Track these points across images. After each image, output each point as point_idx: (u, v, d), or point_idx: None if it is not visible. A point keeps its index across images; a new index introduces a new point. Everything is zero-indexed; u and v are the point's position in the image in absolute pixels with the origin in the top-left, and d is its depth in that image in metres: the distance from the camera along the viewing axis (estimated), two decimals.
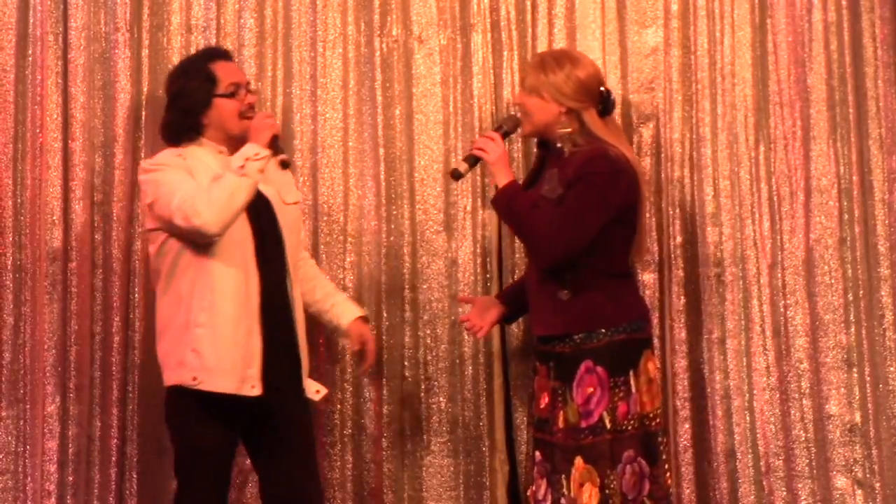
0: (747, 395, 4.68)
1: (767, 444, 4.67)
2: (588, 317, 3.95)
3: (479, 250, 4.71)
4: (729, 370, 4.68)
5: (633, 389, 3.95)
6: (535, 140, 4.23)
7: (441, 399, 4.71)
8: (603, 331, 3.95)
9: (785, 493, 4.66)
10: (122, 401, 4.65)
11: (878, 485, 4.65)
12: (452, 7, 4.76)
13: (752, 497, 4.66)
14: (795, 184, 4.73)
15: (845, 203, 4.71)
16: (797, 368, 4.69)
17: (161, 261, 4.04)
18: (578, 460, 3.92)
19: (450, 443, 4.70)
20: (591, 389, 3.91)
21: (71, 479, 4.63)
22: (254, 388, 3.96)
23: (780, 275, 4.71)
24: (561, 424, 3.96)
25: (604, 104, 4.04)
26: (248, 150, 3.94)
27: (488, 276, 4.71)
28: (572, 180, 3.91)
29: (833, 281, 4.70)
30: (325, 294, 4.28)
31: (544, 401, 4.03)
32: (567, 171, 3.94)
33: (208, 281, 3.96)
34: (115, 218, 4.69)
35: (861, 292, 4.69)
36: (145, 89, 4.71)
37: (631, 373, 3.96)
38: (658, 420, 4.04)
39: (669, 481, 4.09)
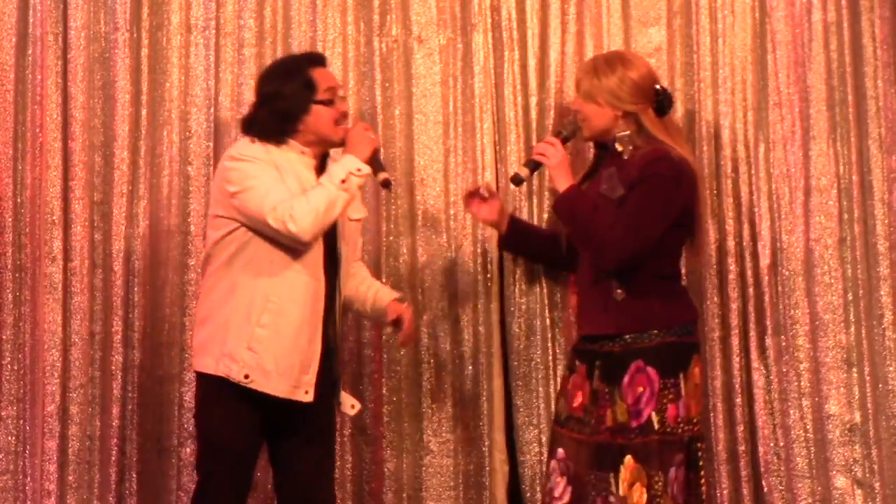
0: (747, 394, 4.68)
1: (767, 443, 4.67)
2: (641, 317, 3.96)
3: (479, 250, 4.70)
4: (729, 369, 4.68)
5: (683, 392, 3.95)
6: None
7: (441, 399, 4.71)
8: (655, 332, 3.96)
9: (784, 492, 4.66)
10: (121, 400, 4.65)
11: (877, 484, 4.65)
12: (452, 7, 4.76)
13: (752, 497, 4.66)
14: (795, 183, 4.73)
15: (845, 203, 4.71)
16: (797, 368, 4.69)
17: (221, 249, 4.01)
18: (629, 459, 3.92)
19: (450, 443, 4.70)
20: (642, 389, 3.91)
21: (71, 478, 4.63)
22: (307, 395, 3.98)
23: (779, 274, 4.71)
24: (609, 423, 3.96)
25: (660, 103, 4.03)
26: (350, 163, 3.95)
27: (488, 276, 4.70)
28: (635, 181, 3.91)
29: (833, 280, 4.70)
30: (367, 287, 4.28)
31: (578, 400, 4.02)
32: (630, 172, 3.93)
33: (280, 285, 3.96)
34: (114, 218, 4.69)
35: (861, 292, 4.69)
36: (145, 89, 4.71)
37: (681, 375, 3.96)
38: (699, 425, 4.06)
39: (704, 488, 4.09)
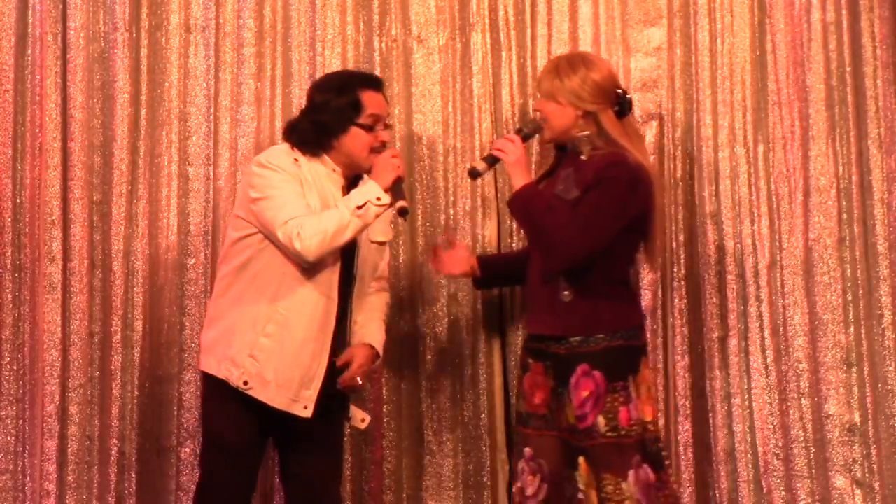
0: (746, 394, 4.68)
1: (766, 443, 4.67)
2: (587, 321, 3.95)
3: (478, 250, 4.70)
4: (728, 369, 4.68)
5: (634, 395, 3.94)
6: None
7: (440, 399, 4.71)
8: (601, 336, 3.94)
9: (784, 492, 4.66)
10: (120, 400, 4.65)
11: (877, 484, 4.65)
12: (451, 7, 4.77)
13: (752, 496, 4.66)
14: (794, 183, 4.73)
15: (844, 203, 4.71)
16: (796, 368, 4.69)
17: (237, 252, 4.01)
18: (582, 461, 3.92)
19: (449, 442, 4.70)
20: (587, 393, 3.91)
21: (70, 478, 4.63)
22: (306, 410, 3.97)
23: (779, 274, 4.71)
24: (564, 424, 3.97)
25: (620, 105, 4.03)
26: (371, 190, 3.91)
27: None
28: (591, 184, 3.90)
29: (832, 280, 4.70)
30: (364, 321, 4.20)
31: (539, 397, 4.02)
32: (585, 174, 3.93)
33: (289, 297, 3.95)
34: (114, 218, 4.69)
35: (860, 292, 4.69)
36: (144, 89, 4.72)
37: (630, 378, 3.96)
38: (656, 427, 4.04)
39: (675, 486, 4.09)
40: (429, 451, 4.71)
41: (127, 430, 4.66)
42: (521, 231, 4.57)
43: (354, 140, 4.01)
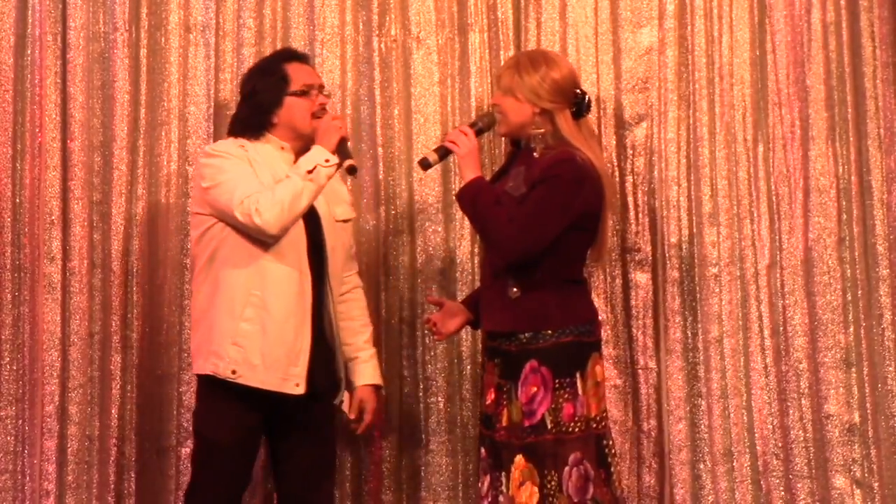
0: (745, 394, 4.68)
1: (766, 443, 4.67)
2: (535, 317, 3.95)
3: (476, 250, 4.70)
4: (727, 370, 4.68)
5: (580, 391, 3.94)
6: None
7: (439, 398, 4.71)
8: (549, 332, 3.94)
9: (783, 492, 4.66)
10: (120, 400, 4.65)
11: (876, 484, 4.64)
12: (450, 7, 4.77)
13: (750, 497, 4.66)
14: (794, 183, 4.73)
15: (844, 203, 4.71)
16: (796, 368, 4.69)
17: (202, 248, 4.04)
18: (519, 458, 3.91)
19: (448, 442, 4.70)
20: (535, 389, 3.91)
21: (69, 478, 4.63)
22: (298, 387, 3.98)
23: (778, 274, 4.71)
24: (504, 422, 3.96)
25: (578, 106, 4.04)
26: (318, 155, 3.94)
27: None
28: (536, 181, 3.92)
29: (832, 281, 4.70)
30: (354, 345, 4.24)
31: (490, 397, 4.03)
32: (533, 172, 3.94)
33: (260, 277, 3.97)
34: (114, 218, 4.69)
35: (860, 292, 4.69)
36: (144, 89, 4.72)
37: (577, 374, 3.95)
38: (604, 423, 4.04)
39: (619, 484, 4.08)
40: (429, 451, 4.72)
41: (127, 430, 4.66)
42: None
43: (291, 110, 4.06)
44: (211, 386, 4.01)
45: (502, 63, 4.71)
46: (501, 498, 3.94)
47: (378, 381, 4.26)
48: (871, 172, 4.71)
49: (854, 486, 4.65)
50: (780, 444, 4.67)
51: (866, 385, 4.66)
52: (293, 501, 4.15)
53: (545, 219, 3.90)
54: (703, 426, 4.66)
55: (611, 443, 4.07)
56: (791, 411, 4.68)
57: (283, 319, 3.96)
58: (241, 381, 3.95)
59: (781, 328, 4.69)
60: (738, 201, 4.71)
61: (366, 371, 4.24)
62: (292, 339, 3.97)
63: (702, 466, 4.67)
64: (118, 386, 4.66)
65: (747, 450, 4.67)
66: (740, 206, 4.71)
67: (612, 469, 4.04)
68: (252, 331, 3.95)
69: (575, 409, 3.93)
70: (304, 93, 4.06)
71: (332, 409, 4.18)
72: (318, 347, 4.04)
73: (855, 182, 4.70)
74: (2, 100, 4.66)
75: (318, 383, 4.03)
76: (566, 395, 3.92)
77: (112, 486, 4.64)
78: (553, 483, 3.89)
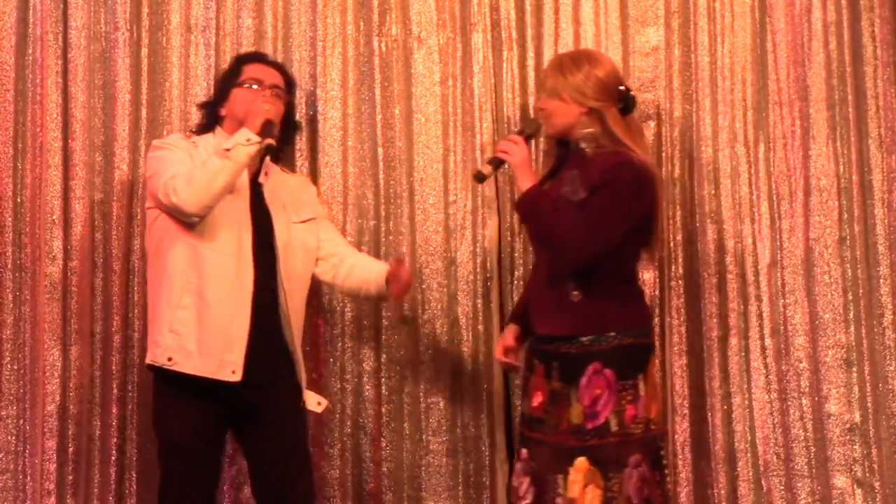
0: (746, 393, 4.68)
1: (767, 443, 4.67)
2: (598, 320, 3.94)
3: (478, 250, 4.71)
4: (728, 369, 4.68)
5: (642, 393, 3.94)
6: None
7: (440, 398, 4.71)
8: (612, 334, 3.94)
9: (784, 492, 4.66)
10: (121, 400, 4.65)
11: (877, 484, 4.65)
12: (452, 6, 4.77)
13: (751, 496, 4.66)
14: (795, 183, 4.73)
15: (845, 202, 4.71)
16: (796, 367, 4.69)
17: (150, 240, 4.13)
18: (581, 461, 3.90)
19: (449, 442, 4.70)
20: (599, 391, 3.90)
21: (70, 478, 4.63)
22: (234, 374, 3.98)
23: (779, 274, 4.71)
24: (564, 425, 3.94)
25: (624, 102, 4.03)
26: (240, 135, 4.00)
27: (488, 275, 4.71)
28: (597, 185, 3.90)
29: (832, 280, 4.70)
30: (372, 268, 4.27)
31: (537, 400, 4.02)
32: (591, 175, 3.92)
33: (197, 264, 4.01)
34: (114, 217, 4.69)
35: (860, 291, 4.69)
36: (145, 89, 4.72)
37: (640, 376, 3.95)
38: (660, 425, 4.05)
39: (668, 487, 4.09)
40: (429, 451, 4.71)
41: (128, 430, 4.66)
42: (523, 230, 4.58)
43: (235, 100, 4.15)
44: (162, 382, 4.06)
45: (504, 63, 4.74)
46: (559, 500, 3.91)
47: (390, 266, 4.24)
48: (871, 172, 4.72)
49: (855, 486, 4.66)
50: (780, 444, 4.67)
51: (867, 384, 4.66)
52: (270, 497, 4.15)
53: (609, 224, 3.89)
54: (705, 425, 4.66)
55: (666, 445, 4.07)
56: (792, 410, 4.68)
57: (218, 306, 3.98)
58: (176, 367, 3.98)
59: (782, 327, 4.70)
60: (739, 200, 4.71)
61: (378, 267, 4.26)
62: (227, 325, 3.98)
63: (704, 465, 4.67)
64: (119, 386, 4.65)
65: (749, 449, 4.67)
66: (741, 206, 4.71)
67: (666, 471, 4.05)
68: (187, 317, 3.99)
69: (637, 411, 3.92)
70: (248, 85, 4.13)
71: (298, 403, 4.17)
72: (263, 340, 4.03)
73: (856, 181, 4.70)
74: (3, 99, 4.66)
75: (258, 373, 4.02)
76: (629, 398, 3.92)
77: (113, 485, 4.64)
78: (617, 485, 3.89)
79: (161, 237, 4.07)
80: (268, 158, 4.15)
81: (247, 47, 4.72)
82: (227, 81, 4.22)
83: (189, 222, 4.00)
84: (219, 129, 4.18)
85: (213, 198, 3.95)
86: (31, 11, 4.68)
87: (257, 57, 4.33)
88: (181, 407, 4.02)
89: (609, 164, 3.91)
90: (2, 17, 4.67)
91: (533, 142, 4.26)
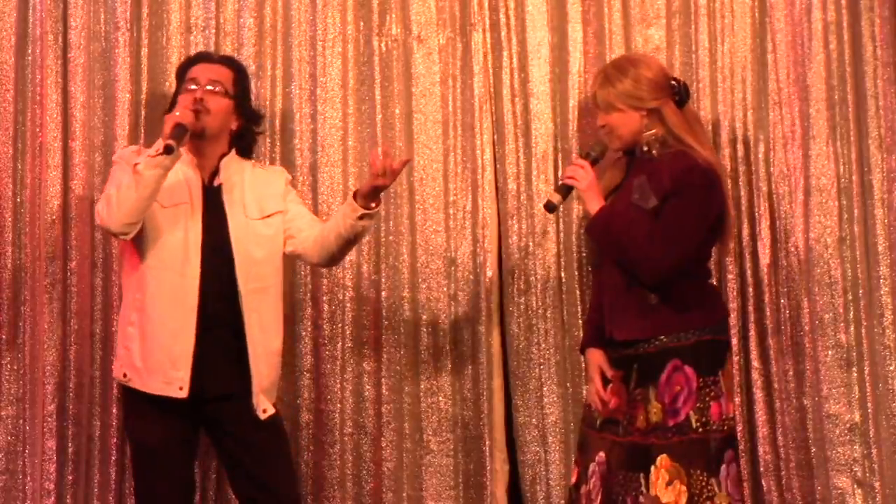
0: (746, 394, 4.68)
1: (767, 443, 4.67)
2: (677, 320, 3.93)
3: (478, 250, 4.71)
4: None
5: (724, 390, 3.94)
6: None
7: (441, 398, 4.71)
8: (691, 332, 3.93)
9: (784, 492, 4.66)
10: (121, 400, 4.64)
11: (877, 484, 4.65)
12: (452, 7, 4.77)
13: (752, 497, 4.65)
14: (795, 183, 4.73)
15: (844, 202, 4.71)
16: (797, 368, 4.69)
17: (120, 255, 4.21)
18: (663, 458, 3.88)
19: (450, 442, 4.70)
20: (679, 388, 3.89)
21: (70, 478, 4.63)
22: (181, 391, 3.98)
23: (779, 275, 4.71)
24: (641, 424, 3.93)
25: (679, 94, 4.02)
26: (153, 146, 3.96)
27: (488, 275, 4.71)
28: (669, 192, 3.89)
29: (832, 280, 4.70)
30: (337, 219, 4.10)
31: (615, 404, 3.99)
32: (662, 181, 3.90)
33: (141, 281, 4.03)
34: None
35: (860, 292, 4.69)
36: (145, 88, 4.71)
37: (720, 373, 3.95)
38: (736, 422, 4.07)
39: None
40: (429, 451, 4.71)
41: (124, 430, 4.65)
42: (524, 214, 4.64)
43: (175, 108, 4.07)
44: (125, 389, 4.11)
45: (504, 63, 4.74)
46: (642, 499, 3.90)
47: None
48: (871, 172, 4.72)
49: (855, 486, 4.66)
50: (780, 444, 4.67)
51: (867, 384, 4.67)
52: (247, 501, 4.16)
53: (687, 233, 3.89)
54: None
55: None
56: (792, 411, 4.68)
57: (160, 323, 3.99)
58: (130, 384, 4.04)
59: (782, 327, 4.69)
60: (739, 201, 4.71)
61: (344, 209, 4.06)
62: (170, 342, 3.99)
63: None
64: (119, 386, 4.63)
65: (748, 449, 4.67)
66: (741, 206, 4.71)
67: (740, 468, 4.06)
68: (134, 334, 4.03)
69: (721, 408, 3.92)
70: (186, 90, 4.10)
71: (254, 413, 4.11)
72: (216, 352, 4.01)
73: (856, 181, 4.70)
74: (3, 99, 4.66)
75: (213, 387, 4.01)
76: (712, 394, 3.91)
77: (113, 485, 4.64)
78: (701, 482, 3.88)
79: (122, 252, 4.16)
80: (222, 161, 4.11)
81: (247, 47, 4.72)
82: (177, 88, 4.19)
83: (123, 238, 4.02)
84: None
85: (129, 214, 3.93)
86: (31, 11, 4.68)
87: (199, 57, 4.25)
88: (146, 413, 4.04)
89: (678, 170, 3.90)
90: (2, 17, 4.67)
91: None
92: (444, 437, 4.71)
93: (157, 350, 3.99)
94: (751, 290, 4.69)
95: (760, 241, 4.71)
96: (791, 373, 4.69)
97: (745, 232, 4.71)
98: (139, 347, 4.01)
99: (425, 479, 4.70)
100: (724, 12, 4.75)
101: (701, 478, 3.88)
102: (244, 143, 4.21)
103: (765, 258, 4.71)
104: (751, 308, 4.69)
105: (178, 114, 3.95)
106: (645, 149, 3.99)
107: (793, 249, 4.71)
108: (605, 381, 4.06)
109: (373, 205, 3.99)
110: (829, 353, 4.69)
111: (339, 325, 4.70)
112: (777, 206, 4.72)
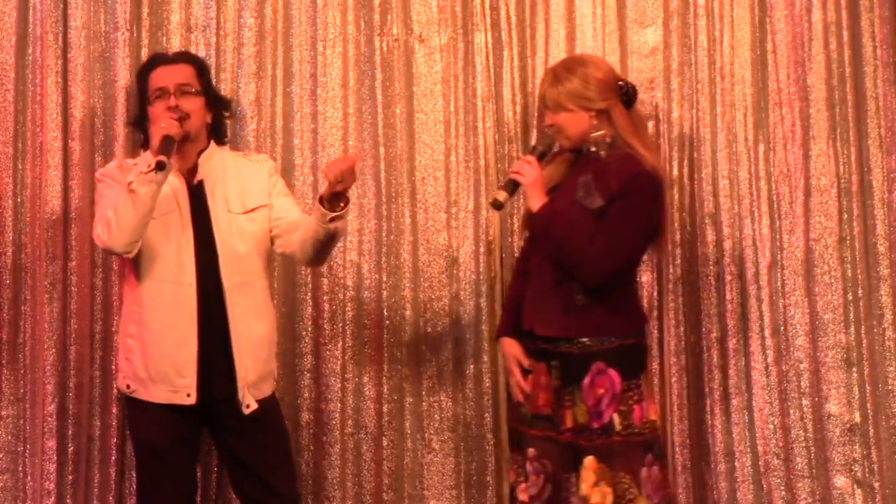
0: (746, 394, 4.69)
1: (766, 443, 4.68)
2: (602, 322, 3.94)
3: (479, 249, 4.71)
4: (728, 369, 4.69)
5: (646, 393, 3.95)
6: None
7: (442, 398, 4.72)
8: (615, 335, 3.94)
9: (784, 492, 4.67)
10: (121, 400, 4.63)
11: (877, 484, 4.66)
12: (453, 6, 4.77)
13: (751, 496, 4.67)
14: (795, 183, 4.74)
15: (845, 202, 4.72)
16: (796, 368, 4.70)
17: (120, 270, 4.22)
18: (591, 460, 3.91)
19: (451, 441, 4.71)
20: (603, 391, 3.91)
21: (70, 478, 4.63)
22: (189, 397, 4.00)
23: (779, 274, 4.72)
24: (569, 424, 3.95)
25: (626, 96, 4.02)
26: (142, 163, 3.93)
27: (492, 274, 4.71)
28: (616, 195, 3.89)
29: (832, 280, 4.71)
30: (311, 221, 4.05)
31: (543, 398, 4.01)
32: (609, 182, 3.90)
33: (142, 294, 4.03)
34: None
35: (860, 292, 4.70)
36: None
37: (642, 377, 3.96)
38: (659, 424, 4.05)
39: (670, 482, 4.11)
40: (430, 451, 4.72)
41: (127, 430, 4.64)
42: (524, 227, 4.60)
43: (151, 118, 4.07)
44: (129, 396, 4.11)
45: (505, 62, 4.74)
46: (573, 499, 3.93)
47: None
48: (871, 172, 4.73)
49: (855, 486, 4.67)
50: (780, 444, 4.68)
51: (867, 385, 4.68)
52: (248, 499, 4.17)
53: (629, 236, 3.90)
54: (704, 426, 4.67)
55: (663, 444, 4.09)
56: (792, 411, 4.69)
57: (161, 334, 4.00)
58: (135, 395, 4.05)
59: (782, 328, 4.70)
60: (739, 201, 4.72)
61: (314, 213, 3.99)
62: (174, 351, 4.00)
63: (703, 466, 4.68)
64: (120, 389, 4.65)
65: (748, 449, 4.68)
66: (741, 206, 4.72)
67: (667, 469, 4.06)
68: (135, 346, 4.04)
69: (643, 411, 3.93)
70: (155, 99, 4.06)
71: (267, 403, 4.12)
72: (215, 355, 4.02)
73: (856, 182, 4.71)
74: (3, 99, 4.65)
75: (216, 389, 4.02)
76: (634, 398, 3.93)
77: (113, 485, 4.64)
78: (625, 484, 3.89)
79: (122, 268, 4.18)
80: (201, 157, 4.11)
81: (247, 47, 4.72)
82: (142, 97, 4.15)
83: (127, 257, 4.01)
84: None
85: (131, 233, 3.93)
86: (31, 11, 4.67)
87: (156, 60, 4.20)
88: (152, 416, 4.04)
89: (627, 174, 3.90)
90: (2, 17, 4.66)
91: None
92: (445, 437, 4.71)
93: (161, 360, 4.00)
94: (751, 290, 4.70)
95: (761, 241, 4.72)
96: (791, 373, 4.69)
97: (746, 232, 4.71)
98: (141, 359, 4.02)
99: (426, 478, 4.70)
100: (723, 12, 4.75)
101: (624, 480, 3.90)
102: (218, 133, 4.21)
103: (765, 258, 4.71)
104: (751, 308, 4.69)
105: (163, 125, 3.92)
106: (592, 149, 3.99)
107: (793, 249, 4.72)
108: (525, 372, 4.06)
109: (341, 204, 3.93)
110: (829, 353, 4.70)
111: (340, 324, 4.70)
112: (777, 206, 4.73)
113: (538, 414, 4.03)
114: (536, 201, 3.99)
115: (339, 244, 4.67)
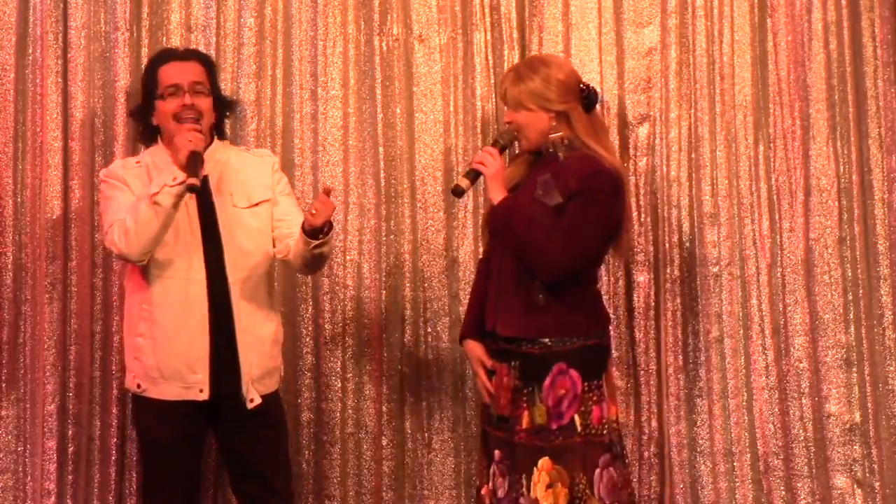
0: (746, 394, 4.69)
1: (766, 443, 4.68)
2: (563, 322, 3.93)
3: (479, 249, 4.70)
4: (727, 369, 4.69)
5: (606, 394, 3.95)
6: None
7: (442, 397, 4.72)
8: (576, 336, 3.93)
9: (784, 492, 4.67)
10: (121, 400, 4.64)
11: (877, 484, 4.66)
12: (453, 6, 4.77)
13: (751, 496, 4.67)
14: (795, 183, 4.74)
15: (845, 202, 4.72)
16: (796, 368, 4.70)
17: (121, 268, 4.19)
18: (545, 461, 3.90)
19: (451, 441, 4.71)
20: (564, 391, 3.90)
21: (71, 478, 4.63)
22: (202, 393, 4.00)
23: (779, 274, 4.72)
24: (525, 425, 3.94)
25: (587, 99, 4.01)
26: (166, 174, 3.91)
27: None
28: (574, 192, 3.89)
29: (832, 280, 4.71)
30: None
31: (505, 398, 4.00)
32: (568, 180, 3.90)
33: (151, 292, 4.02)
34: None
35: (860, 291, 4.70)
36: None
37: (603, 377, 3.96)
38: (619, 424, 4.06)
39: (634, 482, 4.09)
40: (430, 451, 4.72)
41: (127, 430, 4.65)
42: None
43: (159, 115, 4.07)
44: (137, 395, 4.10)
45: (504, 62, 4.74)
46: (522, 500, 3.92)
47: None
48: (871, 172, 4.73)
49: (855, 486, 4.67)
50: (780, 444, 4.68)
51: (867, 384, 4.68)
52: (249, 497, 4.16)
53: (587, 233, 3.89)
54: (703, 426, 4.67)
55: (624, 443, 4.08)
56: (792, 411, 4.69)
57: (173, 331, 4.00)
58: (146, 394, 4.03)
59: (782, 328, 4.71)
60: (739, 201, 4.72)
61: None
62: (186, 348, 3.99)
63: (702, 466, 4.68)
64: (119, 386, 4.64)
65: (748, 449, 4.68)
66: (741, 206, 4.72)
67: (628, 469, 4.05)
68: (145, 345, 4.03)
69: (602, 412, 3.93)
70: (168, 95, 4.05)
71: (269, 397, 4.13)
72: (221, 349, 4.02)
73: (856, 181, 4.71)
74: (3, 99, 4.65)
75: (227, 384, 4.03)
76: (594, 398, 3.92)
77: (113, 485, 4.64)
78: (582, 485, 3.89)
79: (124, 267, 4.16)
80: (206, 153, 4.05)
81: (247, 47, 4.72)
82: (150, 91, 4.11)
83: (139, 265, 4.00)
84: (161, 145, 4.10)
85: (148, 243, 3.93)
86: (31, 11, 4.67)
87: (169, 55, 4.18)
88: (159, 413, 4.03)
89: (586, 172, 3.90)
90: (2, 17, 4.66)
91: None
92: (445, 437, 4.71)
93: (173, 358, 3.99)
94: (751, 289, 4.70)
95: (760, 240, 4.72)
96: (791, 373, 4.69)
97: (746, 232, 4.71)
98: (153, 357, 4.01)
99: (426, 477, 4.71)
100: (723, 12, 4.75)
101: (581, 481, 3.90)
102: (219, 131, 4.21)
103: (765, 258, 4.72)
104: (751, 308, 4.69)
105: (189, 139, 3.90)
106: (551, 150, 3.99)
107: (793, 249, 4.72)
108: (490, 373, 4.05)
109: (325, 230, 3.94)
110: (829, 353, 4.70)
111: (340, 324, 4.71)
112: (777, 206, 4.73)
113: (501, 415, 4.01)
114: (497, 194, 3.99)
115: (339, 244, 4.70)
